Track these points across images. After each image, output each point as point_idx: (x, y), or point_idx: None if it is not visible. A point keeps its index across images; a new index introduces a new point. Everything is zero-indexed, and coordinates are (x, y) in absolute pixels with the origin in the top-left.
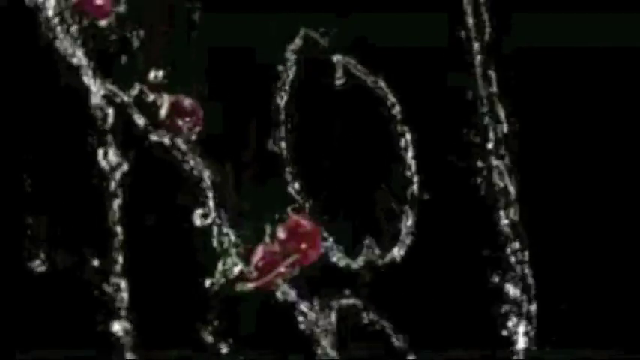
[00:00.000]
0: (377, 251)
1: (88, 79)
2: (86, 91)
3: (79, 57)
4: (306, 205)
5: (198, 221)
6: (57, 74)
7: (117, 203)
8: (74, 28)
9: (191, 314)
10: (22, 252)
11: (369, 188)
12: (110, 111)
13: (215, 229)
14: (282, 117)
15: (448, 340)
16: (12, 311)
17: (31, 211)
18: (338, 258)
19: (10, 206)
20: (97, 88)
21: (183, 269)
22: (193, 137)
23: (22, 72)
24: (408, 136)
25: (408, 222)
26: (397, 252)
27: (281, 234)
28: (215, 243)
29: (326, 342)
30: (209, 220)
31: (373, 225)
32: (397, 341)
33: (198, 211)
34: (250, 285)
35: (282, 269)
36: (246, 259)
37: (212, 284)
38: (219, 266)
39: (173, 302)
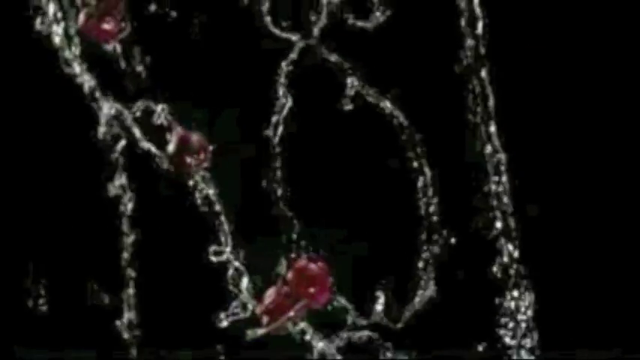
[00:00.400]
0: (393, 306)
1: (95, 103)
2: (94, 116)
3: (87, 79)
4: (306, 246)
5: (212, 257)
6: (64, 98)
7: (127, 234)
8: (81, 50)
9: (199, 347)
10: (22, 254)
11: (382, 231)
12: (120, 142)
13: (229, 266)
14: (284, 154)
15: (449, 343)
16: (12, 311)
17: (35, 223)
18: (348, 316)
19: (12, 212)
20: (104, 113)
21: (194, 303)
22: (201, 173)
23: (29, 95)
24: (427, 174)
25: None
26: (416, 304)
27: (290, 277)
28: (229, 280)
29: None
30: (223, 257)
31: (387, 271)
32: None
33: (213, 248)
34: (261, 331)
35: (291, 313)
36: (258, 299)
37: (222, 323)
38: (231, 307)
39: (182, 334)
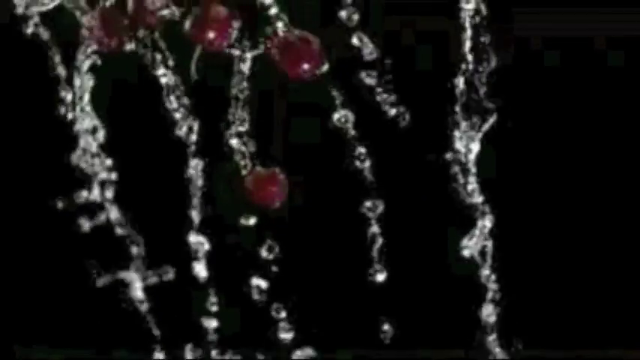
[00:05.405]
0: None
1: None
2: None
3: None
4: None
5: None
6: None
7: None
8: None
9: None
10: (23, 251)
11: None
12: None
13: None
14: None
15: (448, 340)
16: (12, 311)
17: (34, 223)
18: None
19: (12, 213)
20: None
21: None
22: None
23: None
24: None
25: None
26: None
27: None
28: None
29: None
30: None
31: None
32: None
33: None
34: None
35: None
36: None
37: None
38: None
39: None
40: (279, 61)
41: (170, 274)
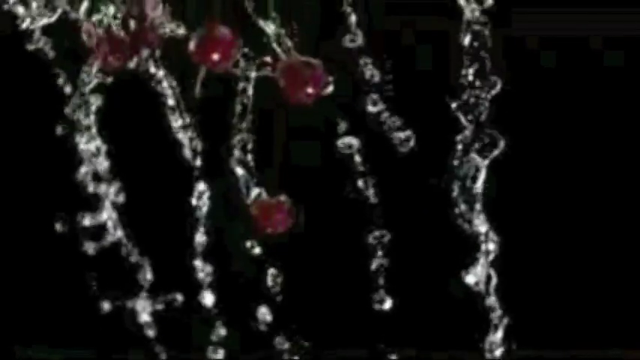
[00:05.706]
0: None
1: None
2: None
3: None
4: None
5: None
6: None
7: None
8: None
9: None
10: (23, 253)
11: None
12: None
13: None
14: None
15: (449, 341)
16: (12, 310)
17: (34, 223)
18: None
19: (13, 213)
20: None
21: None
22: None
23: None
24: None
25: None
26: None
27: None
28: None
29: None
30: None
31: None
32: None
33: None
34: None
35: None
36: None
37: None
38: None
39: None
40: (281, 84)
41: (175, 296)
